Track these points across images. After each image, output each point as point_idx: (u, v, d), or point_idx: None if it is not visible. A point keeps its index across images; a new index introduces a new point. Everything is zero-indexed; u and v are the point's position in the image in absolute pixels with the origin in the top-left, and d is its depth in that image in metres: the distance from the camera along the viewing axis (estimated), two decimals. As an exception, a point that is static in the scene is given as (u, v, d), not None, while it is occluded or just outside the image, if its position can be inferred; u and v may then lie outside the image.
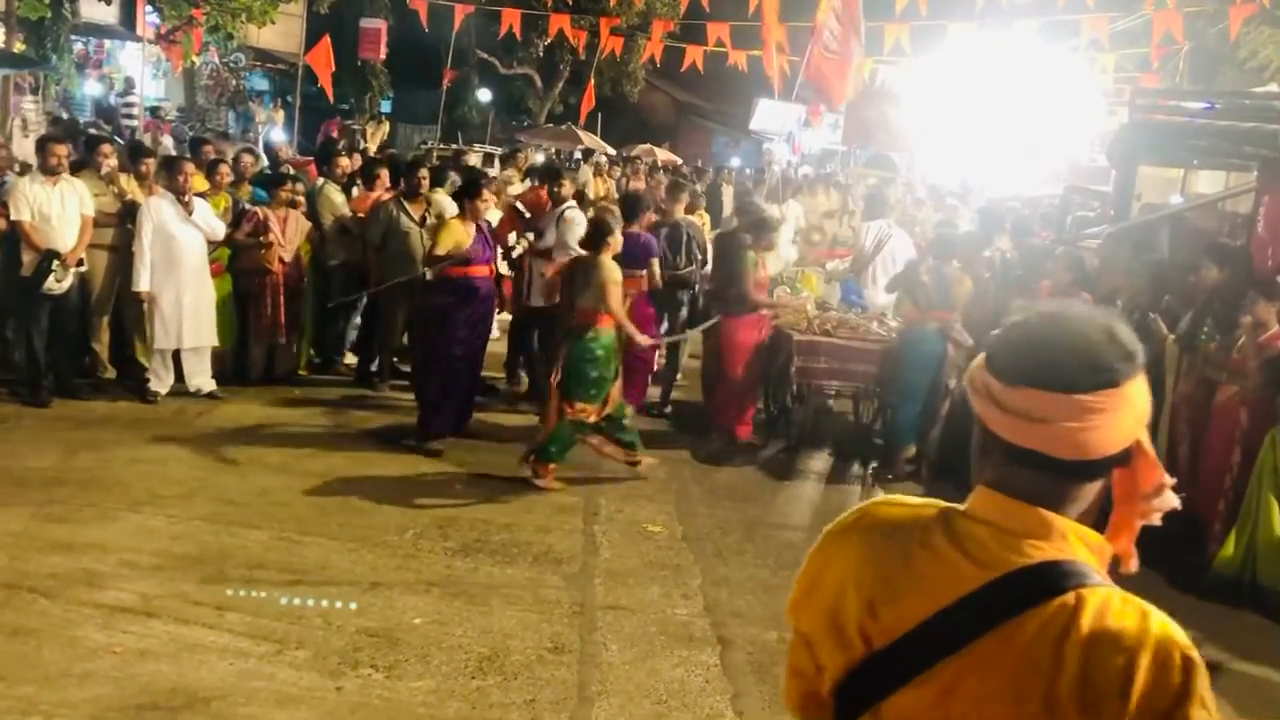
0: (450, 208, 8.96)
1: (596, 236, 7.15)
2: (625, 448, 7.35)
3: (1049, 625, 1.41)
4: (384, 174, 9.90)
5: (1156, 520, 1.56)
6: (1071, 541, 1.47)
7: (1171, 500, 1.54)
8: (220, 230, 8.40)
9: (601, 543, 6.30)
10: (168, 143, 18.17)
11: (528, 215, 9.53)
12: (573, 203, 9.12)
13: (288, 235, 8.75)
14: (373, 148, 19.42)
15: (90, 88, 23.41)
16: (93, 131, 14.43)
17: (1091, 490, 1.50)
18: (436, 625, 5.06)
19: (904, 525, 1.56)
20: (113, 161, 8.61)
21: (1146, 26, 16.03)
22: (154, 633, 4.76)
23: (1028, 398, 1.44)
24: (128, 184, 8.55)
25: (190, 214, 8.11)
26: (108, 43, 24.01)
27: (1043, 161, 16.73)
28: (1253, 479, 6.20)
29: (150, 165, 8.90)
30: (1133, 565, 1.57)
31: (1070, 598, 1.42)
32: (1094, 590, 1.43)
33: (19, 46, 17.53)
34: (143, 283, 8.05)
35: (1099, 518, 1.54)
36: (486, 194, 7.83)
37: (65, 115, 18.48)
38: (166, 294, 8.12)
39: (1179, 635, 1.43)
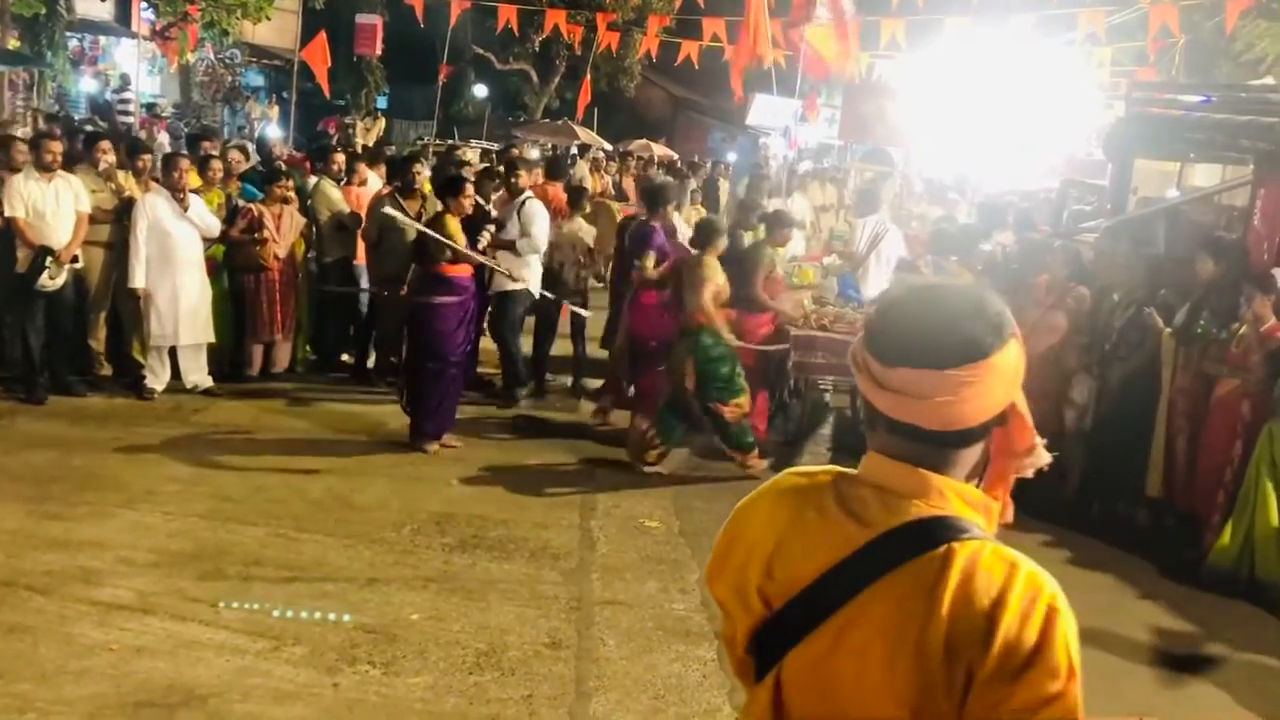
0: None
1: (705, 236, 7.42)
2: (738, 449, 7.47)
3: (922, 576, 1.48)
4: (362, 167, 9.93)
5: (1029, 473, 1.64)
6: (950, 499, 1.54)
7: (1044, 457, 1.62)
8: (215, 226, 8.40)
9: (598, 538, 6.30)
10: (163, 139, 18.13)
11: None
12: (530, 193, 9.17)
13: (282, 231, 8.73)
14: (369, 144, 19.38)
15: (85, 84, 23.38)
16: (89, 128, 14.41)
17: (972, 454, 1.58)
18: (434, 621, 5.05)
19: (802, 491, 1.65)
20: (111, 158, 8.60)
21: (1143, 20, 16.02)
22: (150, 630, 4.76)
23: (904, 377, 1.50)
24: (125, 180, 8.54)
25: (185, 210, 8.10)
26: (103, 39, 23.98)
27: (1040, 155, 16.72)
28: (1250, 471, 6.20)
29: (147, 161, 8.90)
30: (1008, 516, 1.63)
31: (942, 550, 1.48)
32: (965, 543, 1.49)
33: (13, 43, 17.50)
34: (138, 279, 8.03)
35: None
36: (469, 190, 7.77)
37: (60, 112, 18.44)
38: (162, 290, 8.11)
39: (1047, 585, 1.48)
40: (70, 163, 8.32)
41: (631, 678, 4.71)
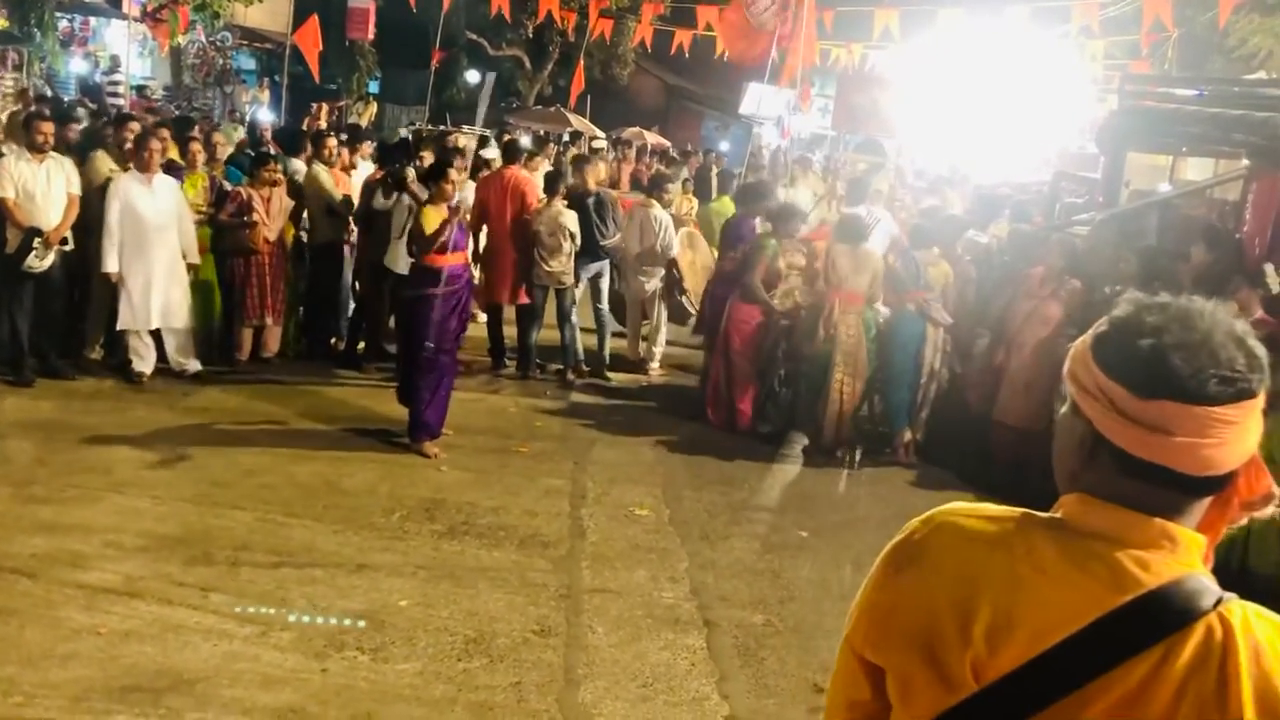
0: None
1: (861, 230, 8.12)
2: None
3: (1205, 651, 1.30)
4: (346, 153, 9.91)
5: (1242, 522, 1.46)
6: (1193, 552, 1.37)
7: (1272, 509, 1.44)
8: (173, 209, 8.25)
9: (588, 526, 6.29)
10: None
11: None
12: (469, 180, 9.23)
13: (271, 214, 8.68)
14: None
15: (75, 65, 23.20)
16: (90, 108, 14.36)
17: (1207, 502, 1.40)
18: (422, 608, 5.04)
19: (1001, 541, 1.42)
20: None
21: (1136, 13, 16.00)
22: (138, 614, 4.74)
23: (1160, 410, 1.32)
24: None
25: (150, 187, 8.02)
26: (93, 20, 23.78)
27: (1032, 148, 16.75)
28: None
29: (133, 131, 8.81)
30: (1209, 565, 1.45)
31: (1214, 619, 1.32)
32: (1230, 608, 1.33)
33: (2, 23, 17.37)
34: (110, 264, 7.95)
35: None
36: (454, 174, 7.59)
37: (49, 93, 18.32)
38: (136, 274, 8.03)
39: None
40: (96, 144, 8.24)
41: (620, 666, 4.71)
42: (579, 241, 9.26)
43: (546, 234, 9.13)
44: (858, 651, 1.51)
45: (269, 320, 8.88)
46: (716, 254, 9.74)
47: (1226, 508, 1.43)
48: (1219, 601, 1.33)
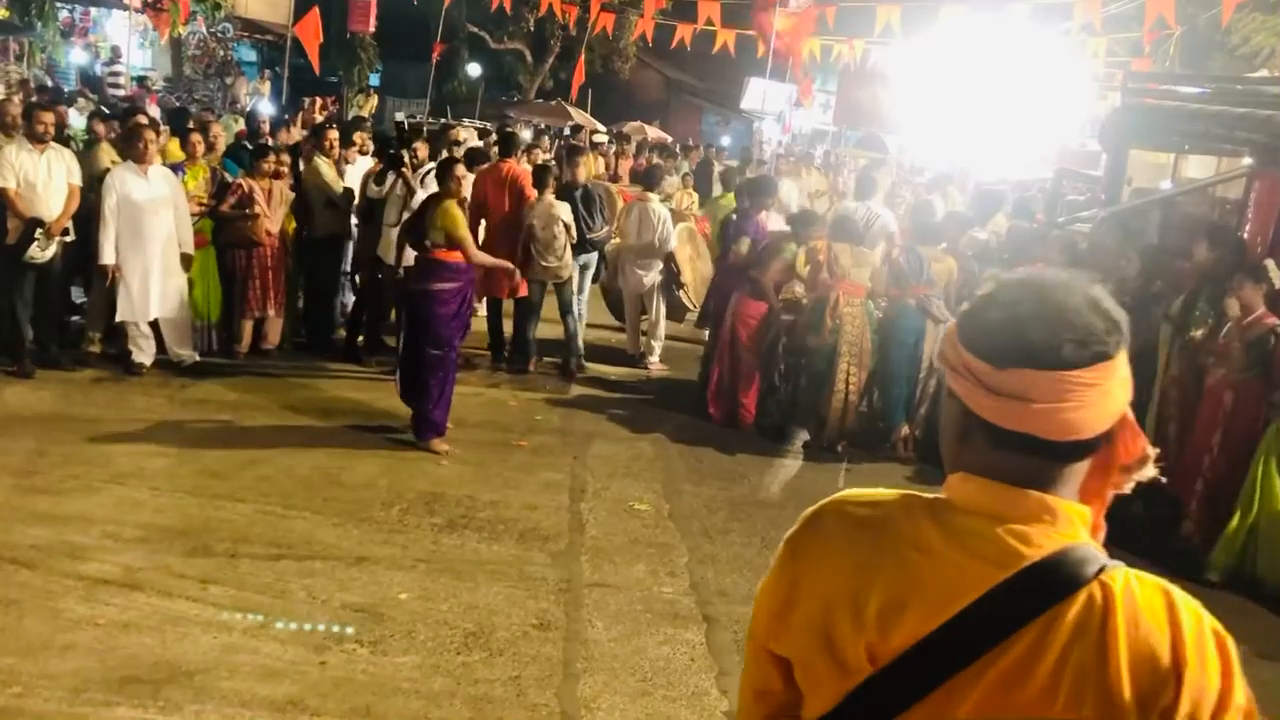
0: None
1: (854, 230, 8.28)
2: None
3: (1086, 620, 1.32)
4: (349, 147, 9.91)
5: (1127, 489, 1.49)
6: (1074, 522, 1.39)
7: (1150, 471, 1.47)
8: (180, 199, 8.26)
9: (588, 520, 6.29)
10: (155, 113, 17.99)
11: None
12: (431, 165, 9.16)
13: (272, 206, 8.67)
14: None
15: (76, 56, 23.17)
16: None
17: (1084, 468, 1.42)
18: (422, 601, 5.04)
19: (887, 525, 1.44)
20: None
21: (1139, 11, 15.97)
22: (137, 605, 4.74)
23: (1019, 378, 1.34)
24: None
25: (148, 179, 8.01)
26: (94, 10, 23.75)
27: (1034, 145, 16.73)
28: (1253, 467, 6.22)
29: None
30: (1100, 536, 1.48)
31: (1095, 587, 1.34)
32: (1113, 575, 1.35)
33: (3, 13, 17.34)
34: (106, 255, 7.92)
35: None
36: (460, 171, 7.53)
37: (50, 83, 18.29)
38: (133, 265, 8.01)
39: (1201, 609, 1.38)
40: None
41: (619, 660, 4.71)
42: (574, 234, 9.24)
43: (540, 227, 9.07)
44: (762, 644, 1.53)
45: (270, 312, 8.88)
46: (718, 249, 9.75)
47: (1106, 474, 1.46)
48: (1102, 569, 1.35)
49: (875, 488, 1.52)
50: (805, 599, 1.46)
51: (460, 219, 7.24)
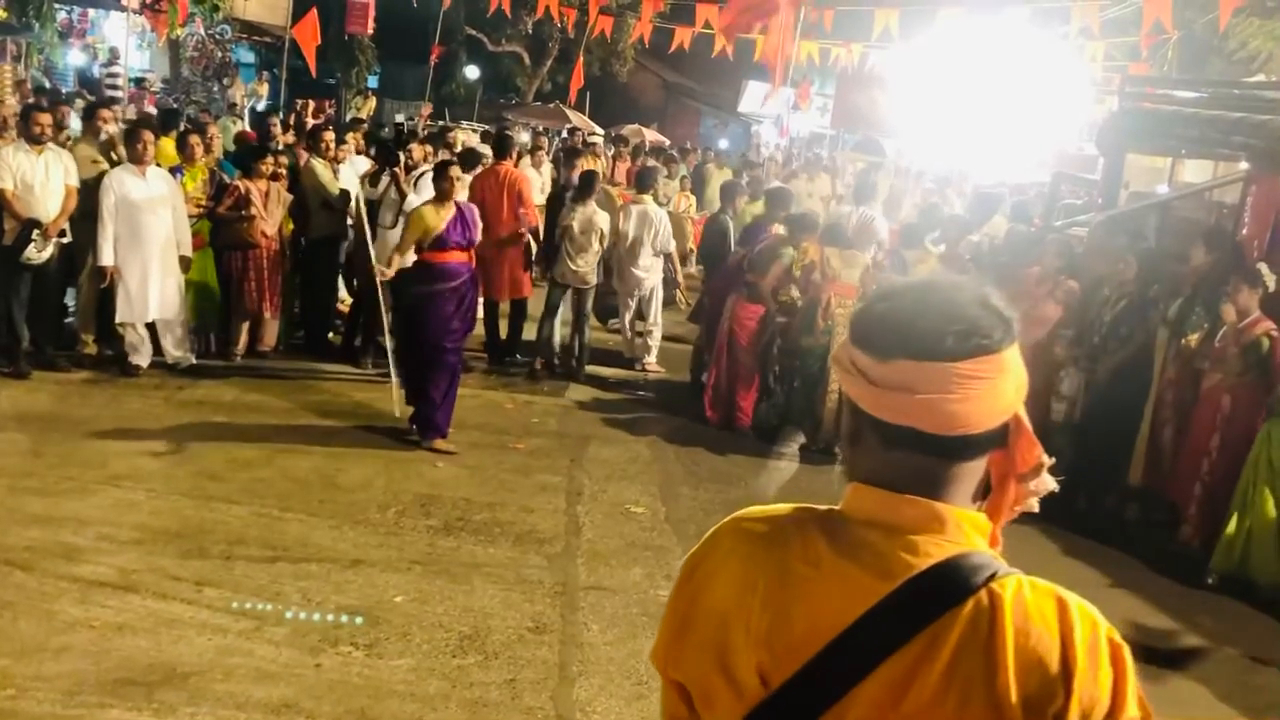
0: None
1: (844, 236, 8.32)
2: None
3: (974, 628, 1.29)
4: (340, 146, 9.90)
5: (1034, 506, 1.45)
6: (966, 530, 1.35)
7: (1048, 483, 1.44)
8: (177, 200, 8.25)
9: (584, 523, 6.28)
10: (152, 114, 17.97)
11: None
12: (426, 168, 9.18)
13: (269, 208, 8.67)
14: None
15: (74, 57, 23.13)
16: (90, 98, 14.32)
17: (974, 471, 1.38)
18: (417, 603, 5.03)
19: (773, 538, 1.40)
20: (112, 128, 8.54)
21: (1136, 15, 15.99)
22: (132, 607, 4.73)
23: (901, 370, 1.31)
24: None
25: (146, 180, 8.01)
26: (92, 11, 23.70)
27: (1031, 149, 16.73)
28: (1246, 472, 6.23)
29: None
30: (998, 545, 1.44)
31: (984, 595, 1.30)
32: (1004, 582, 1.31)
33: (0, 14, 17.32)
34: (105, 257, 7.92)
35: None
36: (455, 173, 7.41)
37: (48, 84, 18.28)
38: (132, 267, 8.01)
39: (1097, 616, 1.34)
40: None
41: (615, 663, 4.70)
42: (607, 243, 9.33)
43: (579, 231, 9.16)
44: (661, 670, 1.50)
45: (267, 314, 8.87)
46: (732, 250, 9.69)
47: (1004, 483, 1.42)
48: (992, 576, 1.31)
49: (776, 505, 1.48)
50: (700, 620, 1.42)
51: (414, 224, 7.20)
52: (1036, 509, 1.46)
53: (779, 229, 9.24)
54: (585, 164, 10.39)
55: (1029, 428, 1.41)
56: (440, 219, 7.20)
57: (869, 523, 1.36)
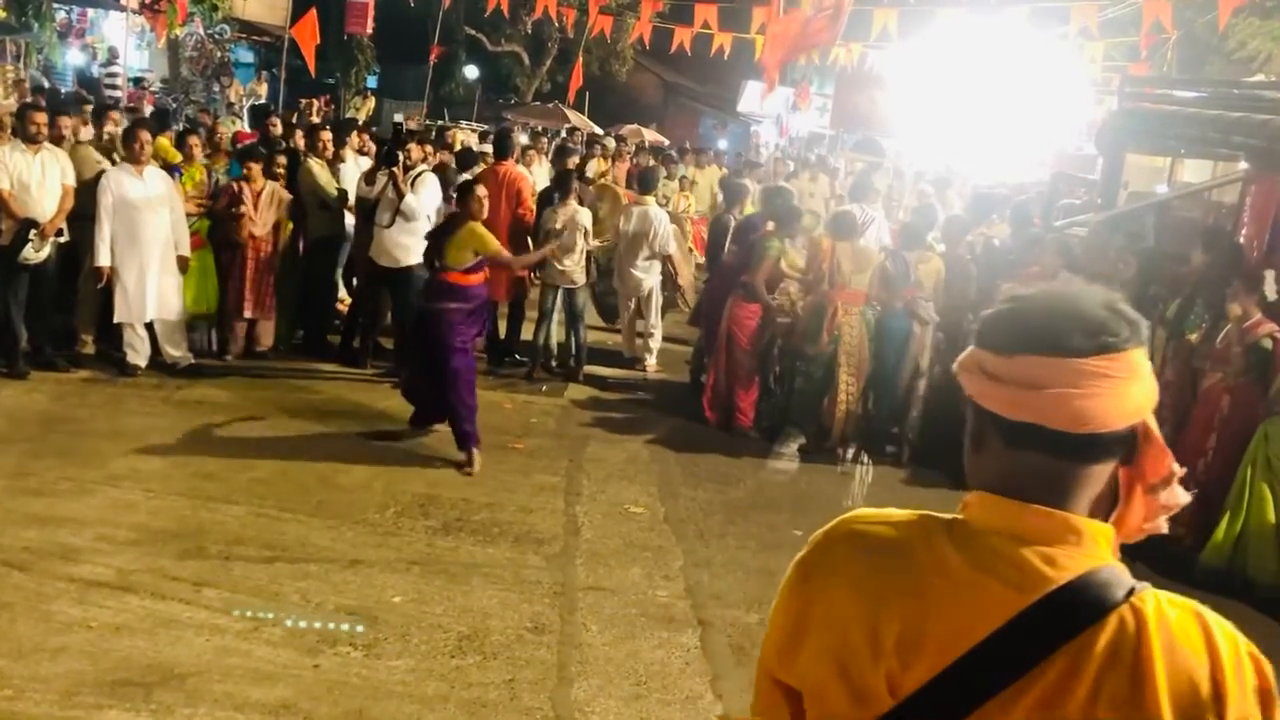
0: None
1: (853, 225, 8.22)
2: None
3: (1118, 646, 1.27)
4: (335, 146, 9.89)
5: (1162, 527, 1.43)
6: (1100, 543, 1.34)
7: (1180, 496, 1.43)
8: (175, 200, 8.25)
9: (583, 523, 6.28)
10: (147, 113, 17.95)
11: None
12: (423, 168, 9.19)
13: (259, 208, 8.64)
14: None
15: (73, 57, 23.14)
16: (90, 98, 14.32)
17: (1098, 477, 1.36)
18: (416, 604, 5.03)
19: (903, 549, 1.38)
20: (112, 128, 8.54)
21: (1136, 15, 15.99)
22: (130, 608, 4.72)
23: (1025, 365, 1.32)
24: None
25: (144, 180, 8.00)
26: (91, 11, 23.72)
27: (1030, 149, 16.73)
28: (1242, 471, 6.23)
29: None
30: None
31: (1126, 611, 1.29)
32: (1143, 597, 1.30)
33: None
34: (103, 257, 7.92)
35: None
36: (481, 192, 7.17)
37: (46, 84, 18.28)
38: (129, 267, 8.00)
39: (1235, 631, 1.34)
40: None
41: (614, 664, 4.69)
42: (592, 240, 9.30)
43: (563, 231, 9.16)
44: (771, 673, 1.47)
45: (257, 314, 8.83)
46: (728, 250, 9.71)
47: (1131, 496, 1.41)
48: (1131, 592, 1.30)
49: (886, 507, 1.47)
50: (818, 626, 1.40)
51: (489, 238, 7.06)
52: (1165, 529, 1.44)
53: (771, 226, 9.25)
54: (596, 164, 10.38)
55: (1159, 436, 1.39)
56: (486, 235, 7.05)
57: (1000, 533, 1.35)
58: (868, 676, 1.34)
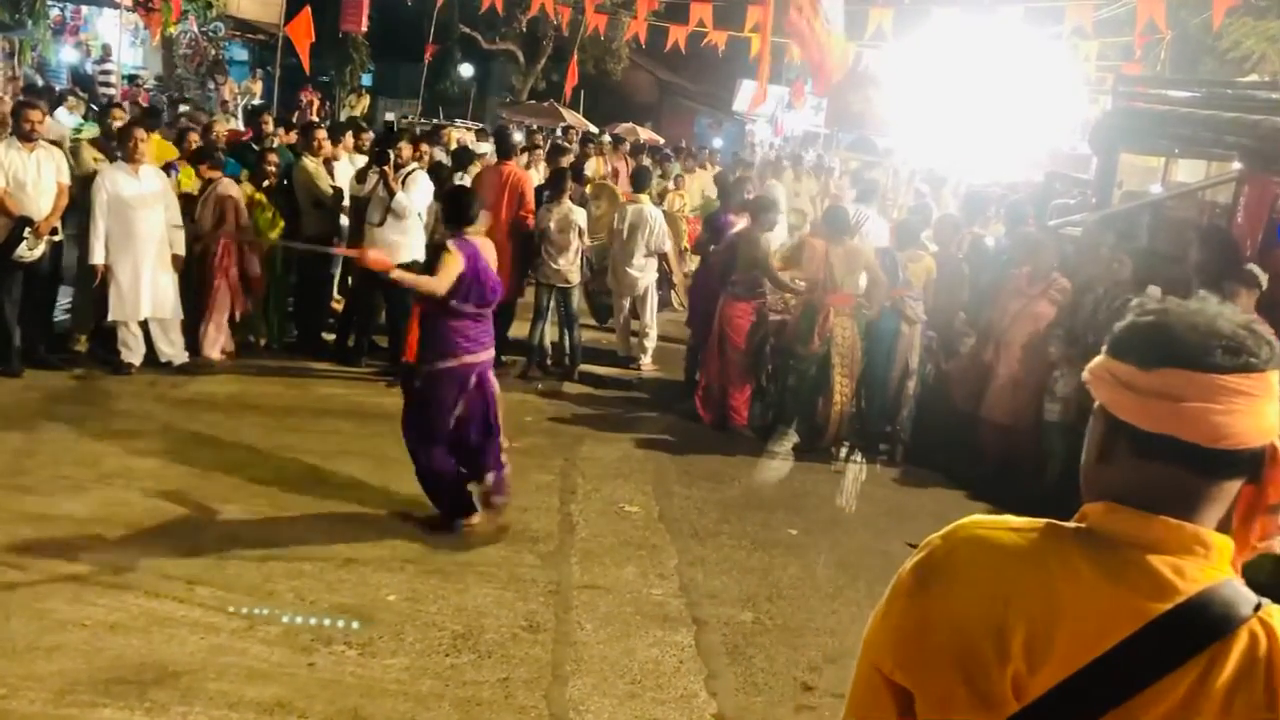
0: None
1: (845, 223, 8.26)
2: None
3: (1250, 660, 1.28)
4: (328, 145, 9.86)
5: (1277, 547, 1.43)
6: (1227, 556, 1.36)
7: None
8: (170, 199, 8.24)
9: (578, 522, 6.28)
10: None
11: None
12: (414, 166, 9.20)
13: (197, 209, 8.57)
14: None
15: (67, 54, 23.09)
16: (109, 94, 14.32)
17: (1227, 494, 1.37)
18: (411, 602, 5.03)
19: (1032, 555, 1.39)
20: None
21: (1130, 15, 16.01)
22: (124, 606, 4.72)
23: (1167, 379, 1.33)
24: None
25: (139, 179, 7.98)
26: (85, 9, 23.66)
27: (1024, 148, 16.73)
28: None
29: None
30: None
31: (1256, 625, 1.30)
32: (1270, 612, 1.32)
33: (-7, 11, 17.29)
34: (97, 256, 7.91)
35: None
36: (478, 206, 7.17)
37: (40, 82, 18.23)
38: (124, 265, 7.99)
39: None
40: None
41: (608, 662, 4.70)
42: (587, 239, 9.31)
43: (557, 231, 9.16)
44: (885, 673, 1.47)
45: (223, 316, 8.77)
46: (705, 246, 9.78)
47: (1250, 515, 1.41)
48: (1258, 607, 1.32)
49: (1006, 515, 1.47)
50: (939, 628, 1.40)
51: (450, 267, 5.87)
52: (1278, 549, 1.44)
53: (737, 217, 9.25)
54: (594, 163, 10.39)
55: None
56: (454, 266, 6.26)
57: (1129, 543, 1.36)
58: (993, 680, 1.34)
